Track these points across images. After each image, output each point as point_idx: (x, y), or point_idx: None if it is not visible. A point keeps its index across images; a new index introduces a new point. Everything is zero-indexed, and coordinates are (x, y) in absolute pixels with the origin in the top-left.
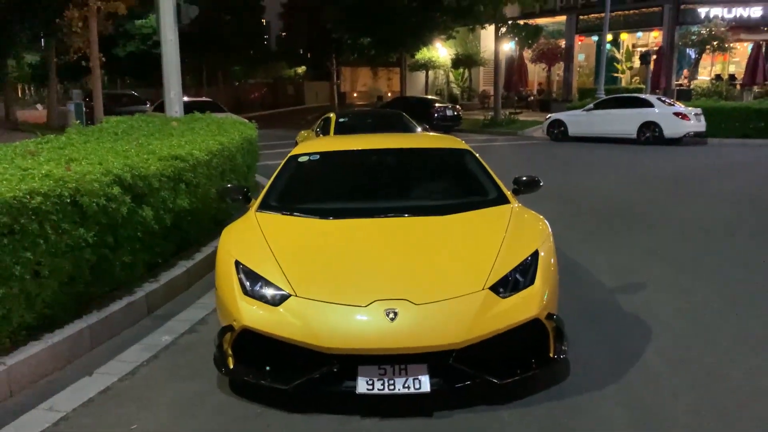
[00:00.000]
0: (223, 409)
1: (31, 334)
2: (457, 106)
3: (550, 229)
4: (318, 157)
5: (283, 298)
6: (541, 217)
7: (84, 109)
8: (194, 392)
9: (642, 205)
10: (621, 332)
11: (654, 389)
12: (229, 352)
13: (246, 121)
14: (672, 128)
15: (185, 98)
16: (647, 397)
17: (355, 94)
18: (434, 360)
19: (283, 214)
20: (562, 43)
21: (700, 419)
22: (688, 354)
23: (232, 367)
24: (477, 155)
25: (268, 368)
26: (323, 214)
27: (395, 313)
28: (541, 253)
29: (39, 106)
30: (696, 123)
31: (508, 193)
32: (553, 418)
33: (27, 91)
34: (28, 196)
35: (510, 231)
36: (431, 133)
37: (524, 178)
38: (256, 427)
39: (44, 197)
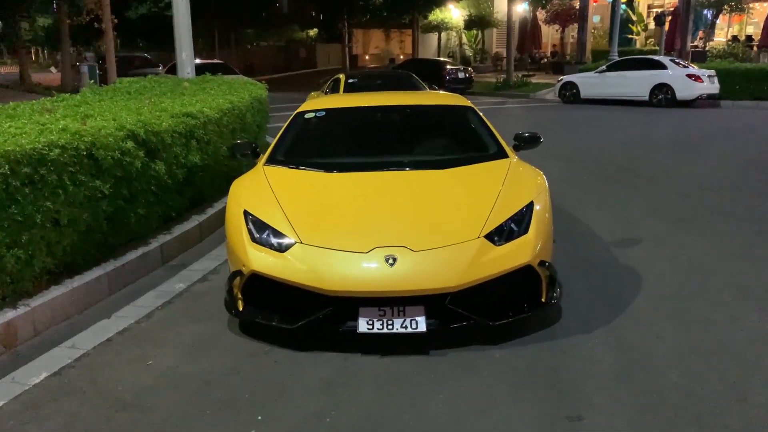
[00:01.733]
0: (233, 348)
1: (53, 279)
2: (469, 69)
3: (546, 183)
4: (324, 113)
5: (290, 245)
6: (539, 171)
7: (97, 71)
8: (207, 333)
9: (648, 165)
10: (614, 283)
11: (640, 332)
12: (239, 295)
13: (256, 83)
14: (684, 90)
15: (197, 61)
16: (632, 339)
17: (367, 57)
18: (431, 302)
19: (289, 167)
20: (577, 3)
21: (680, 357)
22: (677, 302)
23: (241, 309)
24: (479, 112)
25: (275, 310)
26: (328, 168)
27: (394, 259)
28: (537, 206)
29: (53, 69)
30: (709, 85)
31: (508, 149)
32: (540, 357)
33: (42, 55)
34: (47, 149)
35: (507, 183)
36: (435, 91)
37: (525, 134)
38: (265, 363)
39: (62, 149)
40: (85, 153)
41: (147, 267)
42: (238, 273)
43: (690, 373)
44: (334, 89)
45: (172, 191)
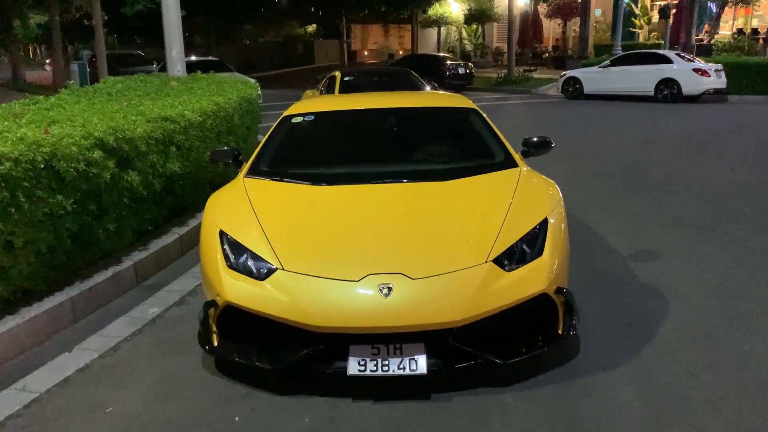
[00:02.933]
0: (205, 391)
1: (8, 308)
2: (470, 64)
3: (560, 195)
4: (312, 117)
5: (270, 271)
6: (552, 181)
7: (88, 69)
8: (177, 371)
9: (658, 167)
10: (635, 305)
11: (670, 369)
12: (214, 328)
13: (250, 80)
14: (691, 85)
15: (192, 58)
16: (662, 377)
17: (365, 53)
18: (432, 339)
19: (273, 179)
20: None
21: (720, 403)
22: (707, 329)
23: (216, 344)
24: (484, 114)
25: (253, 347)
26: (316, 180)
27: (389, 289)
28: (551, 222)
29: (48, 67)
30: (716, 79)
31: (517, 156)
32: (560, 402)
33: (38, 52)
34: None
35: (517, 197)
36: (435, 91)
37: (534, 139)
38: (239, 410)
39: (15, 162)
40: (43, 165)
41: (119, 288)
42: (212, 303)
43: (735, 423)
44: (330, 88)
45: (148, 202)
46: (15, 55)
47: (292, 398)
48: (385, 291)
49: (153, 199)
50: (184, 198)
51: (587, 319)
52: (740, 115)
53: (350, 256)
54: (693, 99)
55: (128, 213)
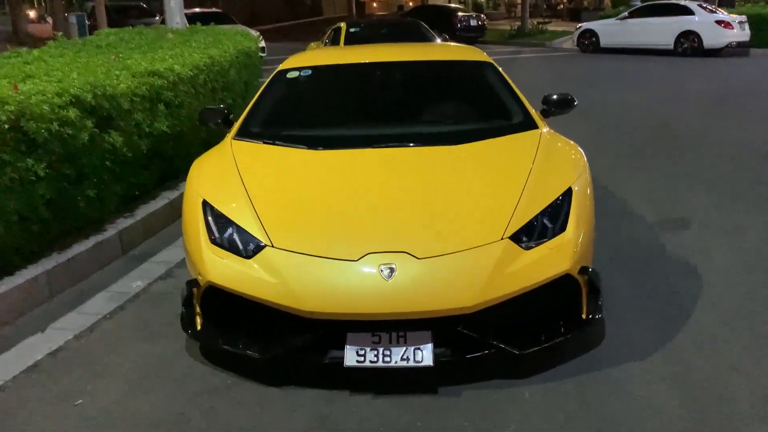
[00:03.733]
0: (187, 380)
1: None
2: (482, 16)
3: (585, 160)
4: (310, 72)
5: (258, 248)
6: (575, 144)
7: (87, 21)
8: (157, 356)
9: (681, 125)
10: (666, 283)
11: (709, 360)
12: (198, 310)
13: (252, 32)
14: (713, 38)
15: (196, 9)
16: (700, 370)
17: (374, 4)
18: (440, 326)
19: (264, 142)
20: None
21: None
22: (750, 314)
23: (199, 328)
24: (500, 69)
25: (241, 333)
26: (312, 144)
27: (392, 270)
28: (576, 191)
29: (49, 19)
30: (739, 32)
31: (536, 116)
32: (584, 400)
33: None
34: None
35: (538, 163)
36: (447, 43)
37: (555, 97)
38: (224, 405)
39: None
40: (8, 126)
41: (101, 260)
42: (195, 282)
43: None
44: (335, 40)
45: (134, 165)
46: (15, 7)
47: (282, 391)
48: (386, 272)
49: (139, 161)
50: (175, 160)
51: (611, 299)
52: (763, 71)
53: (348, 232)
54: (715, 53)
55: (111, 177)
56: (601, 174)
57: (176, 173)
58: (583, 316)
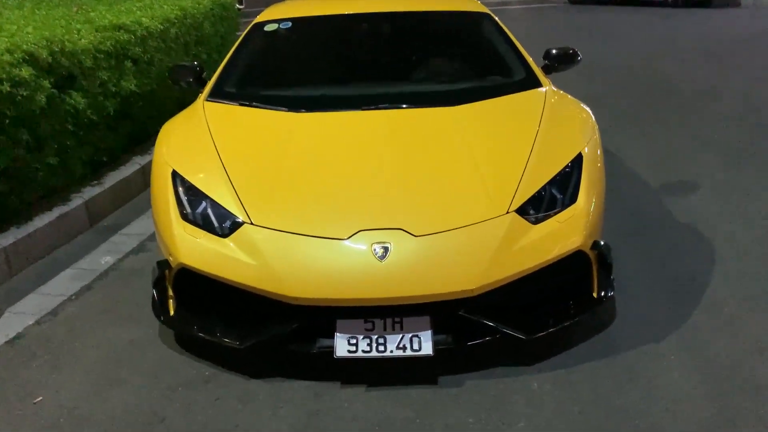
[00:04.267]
0: (161, 372)
1: None
2: None
3: (594, 121)
4: (290, 24)
5: (235, 226)
6: (582, 105)
7: None
8: (128, 343)
9: (678, 80)
10: (677, 255)
11: (730, 341)
12: (170, 293)
13: None
14: None
15: None
16: (722, 353)
17: None
18: (439, 310)
19: (240, 104)
20: None
21: None
22: None
23: (172, 314)
24: (499, 21)
25: (219, 319)
26: (293, 105)
27: (386, 249)
28: (587, 157)
29: None
30: None
31: (540, 73)
32: (599, 389)
33: None
34: None
35: (544, 126)
36: None
37: (554, 51)
38: (201, 402)
39: None
40: None
41: (67, 233)
42: (167, 263)
43: None
44: None
45: (101, 129)
46: None
47: (267, 383)
48: (380, 252)
49: (107, 124)
50: (147, 122)
51: (619, 272)
52: (757, 21)
53: (336, 207)
54: (705, 4)
55: (75, 142)
56: (600, 135)
57: (148, 136)
58: (594, 295)
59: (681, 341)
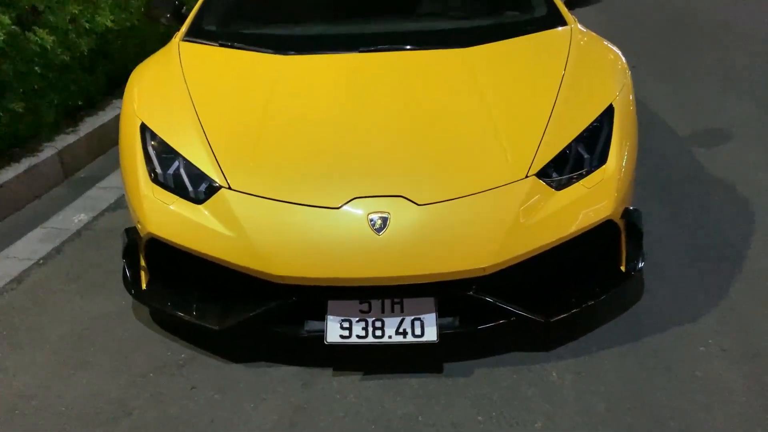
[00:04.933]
0: (132, 353)
1: None
2: None
3: (626, 66)
4: None
5: (211, 191)
6: (612, 47)
7: None
8: (97, 318)
9: (706, 14)
10: (712, 218)
11: None
12: (143, 263)
13: None
14: None
15: None
16: None
17: None
18: (446, 291)
19: (219, 45)
20: None
21: None
22: None
23: (145, 287)
24: None
25: (196, 296)
26: (280, 46)
27: (384, 220)
28: (618, 110)
29: None
30: None
31: (563, 7)
32: (625, 379)
33: None
34: None
35: (570, 73)
36: None
37: None
38: (175, 389)
39: None
40: None
41: (37, 187)
42: (136, 231)
43: None
44: None
45: (74, 70)
46: None
47: (248, 369)
48: (378, 223)
49: (81, 65)
50: (127, 62)
51: (647, 238)
52: None
53: (328, 169)
54: None
55: (45, 86)
56: None
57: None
58: (622, 268)
59: (720, 321)
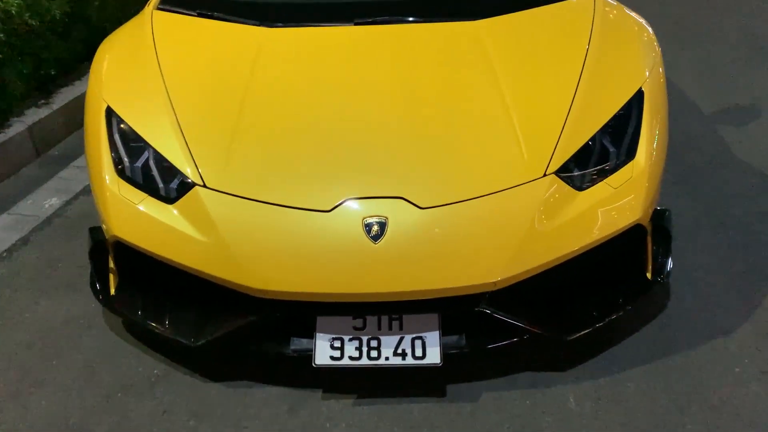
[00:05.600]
0: (98, 367)
1: None
2: None
3: (656, 42)
4: None
5: (184, 188)
6: (638, 18)
7: None
8: (62, 323)
9: None
10: (743, 210)
11: None
12: (111, 265)
13: None
14: None
15: None
16: None
17: None
18: (450, 306)
19: (197, 14)
20: None
21: None
22: None
23: (114, 292)
24: None
25: (169, 306)
26: (265, 17)
27: (382, 226)
28: (648, 94)
29: None
30: None
31: None
32: (655, 407)
33: None
34: None
35: (594, 52)
36: None
37: None
38: (142, 412)
39: None
40: None
41: (5, 167)
42: (102, 231)
43: None
44: None
45: (45, 36)
46: None
47: (229, 389)
48: (374, 229)
49: (53, 30)
50: (106, 25)
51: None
52: None
53: (317, 166)
54: None
55: (11, 54)
56: None
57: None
58: (648, 275)
59: (757, 334)
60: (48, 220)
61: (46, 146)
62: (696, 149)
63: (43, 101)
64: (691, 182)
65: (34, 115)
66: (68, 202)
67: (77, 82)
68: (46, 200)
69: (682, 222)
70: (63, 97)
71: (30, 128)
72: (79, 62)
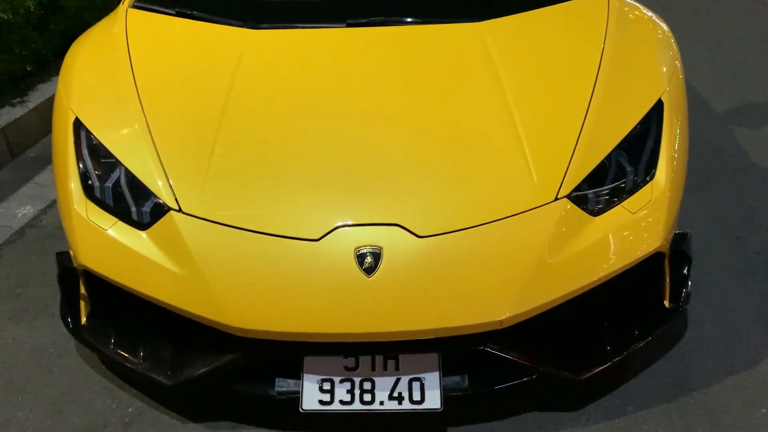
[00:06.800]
0: (66, 404)
1: None
2: None
3: (676, 46)
4: None
5: (157, 212)
6: (657, 18)
7: None
8: (31, 352)
9: None
10: (761, 218)
11: None
12: (83, 292)
13: None
14: None
15: None
16: None
17: None
18: (451, 346)
19: (176, 14)
20: None
21: None
22: None
23: (84, 322)
24: None
25: (143, 337)
26: (249, 17)
27: (376, 257)
28: (669, 105)
29: None
30: None
31: None
32: None
33: None
34: None
35: (609, 57)
36: None
37: None
38: None
39: None
40: None
41: None
42: (69, 257)
43: None
44: None
45: (19, 30)
46: None
47: (207, 430)
48: (368, 261)
49: (28, 22)
50: (86, 15)
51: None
52: None
53: (305, 189)
54: None
55: None
56: None
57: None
58: (666, 304)
59: None
60: (20, 232)
61: (20, 149)
62: (709, 151)
63: (17, 100)
64: (706, 191)
65: (8, 114)
66: (43, 211)
67: (54, 78)
68: (19, 209)
69: (695, 236)
70: (39, 94)
71: (3, 129)
72: (57, 56)
